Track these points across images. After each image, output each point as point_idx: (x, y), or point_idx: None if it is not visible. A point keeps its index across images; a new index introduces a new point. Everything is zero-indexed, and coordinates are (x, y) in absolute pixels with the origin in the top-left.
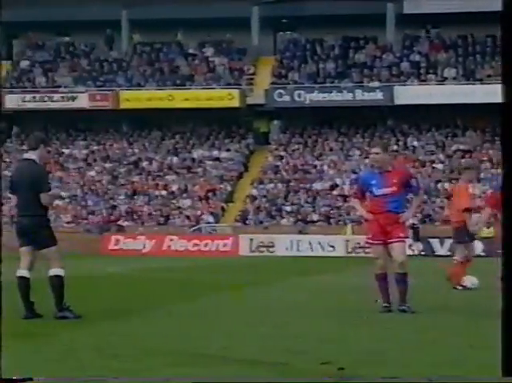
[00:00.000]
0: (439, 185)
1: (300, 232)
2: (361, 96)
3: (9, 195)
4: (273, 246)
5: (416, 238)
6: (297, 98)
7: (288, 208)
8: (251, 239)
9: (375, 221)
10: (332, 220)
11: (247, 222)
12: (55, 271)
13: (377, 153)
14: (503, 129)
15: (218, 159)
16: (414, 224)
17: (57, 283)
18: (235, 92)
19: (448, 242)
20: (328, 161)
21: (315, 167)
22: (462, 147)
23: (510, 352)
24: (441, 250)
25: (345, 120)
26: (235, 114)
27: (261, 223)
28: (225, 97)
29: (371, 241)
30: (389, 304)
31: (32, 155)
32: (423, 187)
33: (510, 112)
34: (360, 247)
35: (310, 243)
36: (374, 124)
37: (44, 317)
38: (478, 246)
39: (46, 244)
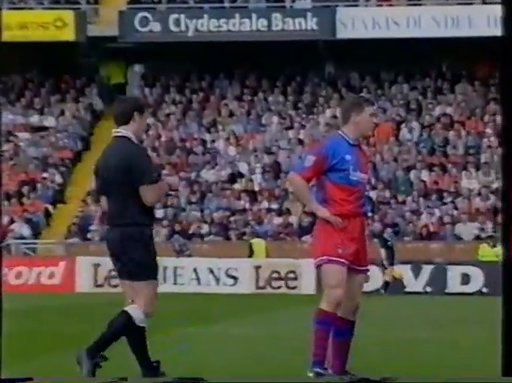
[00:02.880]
0: (412, 175)
1: (178, 253)
2: (281, 24)
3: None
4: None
5: (391, 261)
6: (173, 27)
7: (158, 212)
8: (97, 265)
9: (346, 229)
10: (232, 233)
11: (89, 236)
12: (135, 314)
13: (373, 114)
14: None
15: (39, 129)
16: (386, 240)
17: (136, 335)
18: (68, 16)
19: (428, 268)
20: (225, 134)
21: (204, 143)
22: (449, 110)
23: (510, 352)
24: (416, 284)
25: (255, 66)
26: (68, 53)
27: None
28: (50, 24)
29: (336, 258)
30: (326, 369)
31: (124, 130)
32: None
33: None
34: (279, 279)
35: (196, 271)
36: (303, 73)
37: None
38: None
39: (135, 272)
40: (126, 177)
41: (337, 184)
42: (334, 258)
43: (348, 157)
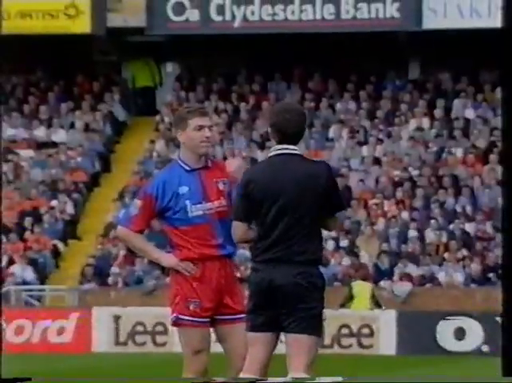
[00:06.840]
0: None
1: None
2: (353, 11)
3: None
4: (165, 334)
5: None
6: (215, 16)
7: None
8: (118, 318)
9: (200, 278)
10: None
11: (109, 281)
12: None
13: (201, 127)
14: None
15: (45, 145)
16: None
17: None
18: (82, 2)
19: None
20: None
21: (255, 163)
22: None
23: (510, 352)
24: None
25: (319, 64)
26: (83, 49)
27: (140, 282)
28: (60, 12)
29: (188, 317)
30: None
31: (293, 150)
32: None
33: None
34: (350, 335)
35: None
36: (381, 73)
37: None
38: None
39: (313, 324)
40: (317, 201)
41: (177, 227)
42: (185, 317)
43: (183, 190)
